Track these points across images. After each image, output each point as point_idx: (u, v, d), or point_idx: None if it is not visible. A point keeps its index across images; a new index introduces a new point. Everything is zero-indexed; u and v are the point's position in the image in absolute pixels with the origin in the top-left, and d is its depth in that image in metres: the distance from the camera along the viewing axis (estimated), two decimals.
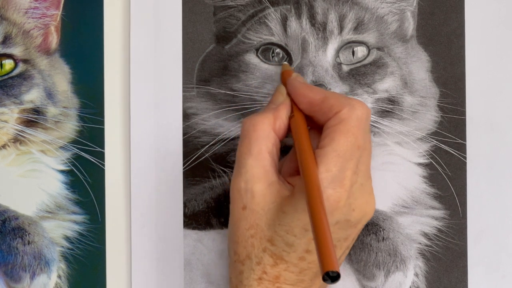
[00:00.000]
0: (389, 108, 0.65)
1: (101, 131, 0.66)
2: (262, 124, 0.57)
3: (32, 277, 0.65)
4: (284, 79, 0.61)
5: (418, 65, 0.66)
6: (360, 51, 0.65)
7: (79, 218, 0.66)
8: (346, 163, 0.55)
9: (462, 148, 0.65)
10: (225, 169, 0.66)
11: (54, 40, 0.67)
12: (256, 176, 0.55)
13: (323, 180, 0.54)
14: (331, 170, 0.54)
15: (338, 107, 0.56)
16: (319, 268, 0.56)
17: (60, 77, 0.67)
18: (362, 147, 0.55)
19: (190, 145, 0.66)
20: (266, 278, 0.56)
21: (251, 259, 0.56)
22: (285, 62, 0.64)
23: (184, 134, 0.66)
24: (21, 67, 0.66)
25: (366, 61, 0.65)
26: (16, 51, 0.66)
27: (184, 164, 0.66)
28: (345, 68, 0.65)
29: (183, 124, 0.66)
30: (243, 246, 0.56)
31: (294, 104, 0.58)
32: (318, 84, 0.64)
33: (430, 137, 0.65)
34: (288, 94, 0.59)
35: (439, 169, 0.65)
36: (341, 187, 0.54)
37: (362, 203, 0.56)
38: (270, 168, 0.56)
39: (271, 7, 0.66)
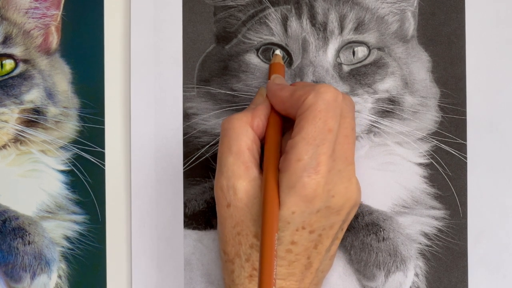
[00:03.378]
0: (389, 108, 0.65)
1: (102, 131, 0.67)
2: (240, 122, 0.57)
3: (33, 277, 0.66)
4: (271, 74, 0.62)
5: (419, 65, 0.65)
6: (361, 51, 0.65)
7: (79, 218, 0.66)
8: (317, 149, 0.55)
9: (462, 148, 0.65)
10: None
11: (54, 40, 0.67)
12: (237, 173, 0.56)
13: (296, 169, 0.54)
14: (302, 159, 0.54)
15: (304, 95, 0.56)
16: (307, 260, 0.56)
17: (61, 77, 0.67)
18: (334, 130, 0.55)
19: (190, 145, 0.66)
20: (256, 274, 0.56)
21: (240, 257, 0.56)
22: (278, 53, 0.64)
23: (184, 134, 0.66)
24: (21, 67, 0.66)
25: (366, 61, 0.65)
26: (17, 51, 0.66)
27: (184, 164, 0.66)
28: (346, 68, 0.65)
29: (183, 124, 0.66)
30: (231, 244, 0.57)
31: (272, 108, 0.59)
32: None
33: (431, 137, 0.65)
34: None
35: (440, 169, 0.65)
36: (316, 173, 0.54)
37: (341, 189, 0.56)
38: (251, 164, 0.57)
39: (271, 7, 0.66)
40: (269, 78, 0.62)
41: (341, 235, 0.59)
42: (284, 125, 0.59)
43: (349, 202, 0.57)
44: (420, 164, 0.65)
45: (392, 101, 0.65)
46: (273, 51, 0.65)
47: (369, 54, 0.65)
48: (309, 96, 0.56)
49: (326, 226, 0.56)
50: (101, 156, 0.66)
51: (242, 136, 0.57)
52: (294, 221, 0.55)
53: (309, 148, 0.55)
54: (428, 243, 0.65)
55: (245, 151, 0.57)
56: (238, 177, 0.56)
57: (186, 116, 0.66)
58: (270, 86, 0.59)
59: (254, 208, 0.56)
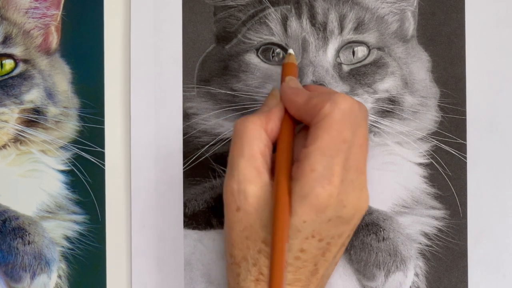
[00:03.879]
0: (389, 108, 0.65)
1: (101, 131, 0.66)
2: (254, 125, 0.56)
3: (33, 277, 0.66)
4: (284, 74, 0.61)
5: (419, 65, 0.65)
6: (361, 51, 0.65)
7: (79, 218, 0.66)
8: (332, 160, 0.54)
9: (462, 148, 0.65)
10: (225, 169, 0.65)
11: (54, 40, 0.67)
12: (249, 177, 0.55)
13: (309, 180, 0.54)
14: (316, 169, 0.54)
15: (320, 104, 0.55)
16: (314, 267, 0.56)
17: (61, 77, 0.67)
18: (349, 141, 0.55)
19: (190, 145, 0.66)
20: (262, 279, 0.56)
21: (247, 261, 0.56)
22: (291, 52, 0.63)
23: (184, 134, 0.66)
24: (21, 67, 0.66)
25: (366, 61, 0.65)
26: (17, 51, 0.66)
27: (184, 164, 0.66)
28: (346, 68, 0.65)
29: (183, 124, 0.66)
30: (238, 248, 0.56)
31: (286, 112, 0.58)
32: (319, 84, 0.64)
33: (431, 137, 0.65)
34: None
35: (440, 169, 0.65)
36: (329, 184, 0.54)
37: (353, 199, 0.55)
38: (263, 169, 0.56)
39: (271, 7, 0.66)
40: (282, 77, 0.61)
41: (347, 242, 0.58)
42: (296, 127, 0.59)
43: (360, 212, 0.56)
44: (420, 164, 0.65)
45: (392, 101, 0.65)
46: (273, 51, 0.65)
47: (369, 54, 0.65)
48: (326, 105, 0.55)
49: (335, 235, 0.56)
50: (101, 156, 0.66)
51: (256, 140, 0.56)
52: (304, 230, 0.55)
53: (323, 159, 0.54)
54: (428, 243, 0.65)
55: (258, 155, 0.56)
56: (250, 181, 0.55)
57: (186, 116, 0.66)
58: (284, 90, 0.59)
59: (264, 214, 0.55)
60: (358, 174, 0.56)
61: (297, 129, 0.59)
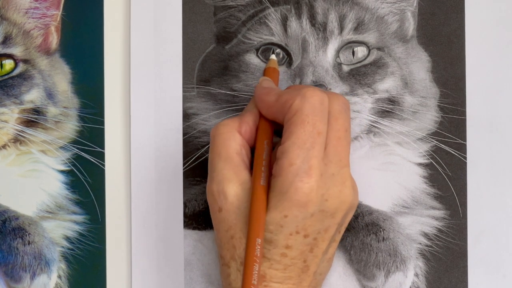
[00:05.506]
0: (389, 108, 0.65)
1: (101, 131, 0.67)
2: (227, 127, 0.57)
3: (33, 277, 0.66)
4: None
5: (419, 65, 0.66)
6: (360, 51, 0.65)
7: (79, 218, 0.66)
8: (308, 153, 0.55)
9: (462, 148, 0.65)
10: None
11: (54, 40, 0.67)
12: (227, 177, 0.56)
13: (288, 174, 0.54)
14: (294, 163, 0.54)
15: (290, 100, 0.56)
16: (304, 264, 0.56)
17: (60, 77, 0.67)
18: (323, 133, 0.55)
19: (190, 145, 0.66)
20: None
21: (235, 261, 0.56)
22: (273, 57, 0.64)
23: (184, 134, 0.66)
24: (21, 67, 0.66)
25: (366, 61, 0.65)
26: (17, 51, 0.66)
27: (184, 164, 0.66)
28: (346, 68, 0.65)
29: (183, 124, 0.66)
30: (226, 248, 0.57)
31: (260, 115, 0.59)
32: (318, 84, 0.64)
33: (431, 137, 0.65)
34: None
35: (440, 169, 0.65)
36: (308, 177, 0.54)
37: (334, 193, 0.56)
38: (241, 168, 0.57)
39: (271, 7, 0.66)
40: None
41: (338, 238, 0.59)
42: (279, 129, 0.59)
43: (343, 205, 0.56)
44: (420, 164, 0.65)
45: (392, 101, 0.65)
46: (273, 51, 0.65)
47: (368, 54, 0.65)
48: (295, 101, 0.56)
49: (321, 230, 0.56)
50: (101, 156, 0.66)
51: (230, 141, 0.57)
52: (287, 225, 0.55)
53: (301, 152, 0.55)
54: (428, 243, 0.65)
55: (234, 155, 0.57)
56: (228, 181, 0.56)
57: (186, 116, 0.66)
58: (256, 90, 0.59)
59: (246, 212, 0.56)
60: (339, 167, 0.56)
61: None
